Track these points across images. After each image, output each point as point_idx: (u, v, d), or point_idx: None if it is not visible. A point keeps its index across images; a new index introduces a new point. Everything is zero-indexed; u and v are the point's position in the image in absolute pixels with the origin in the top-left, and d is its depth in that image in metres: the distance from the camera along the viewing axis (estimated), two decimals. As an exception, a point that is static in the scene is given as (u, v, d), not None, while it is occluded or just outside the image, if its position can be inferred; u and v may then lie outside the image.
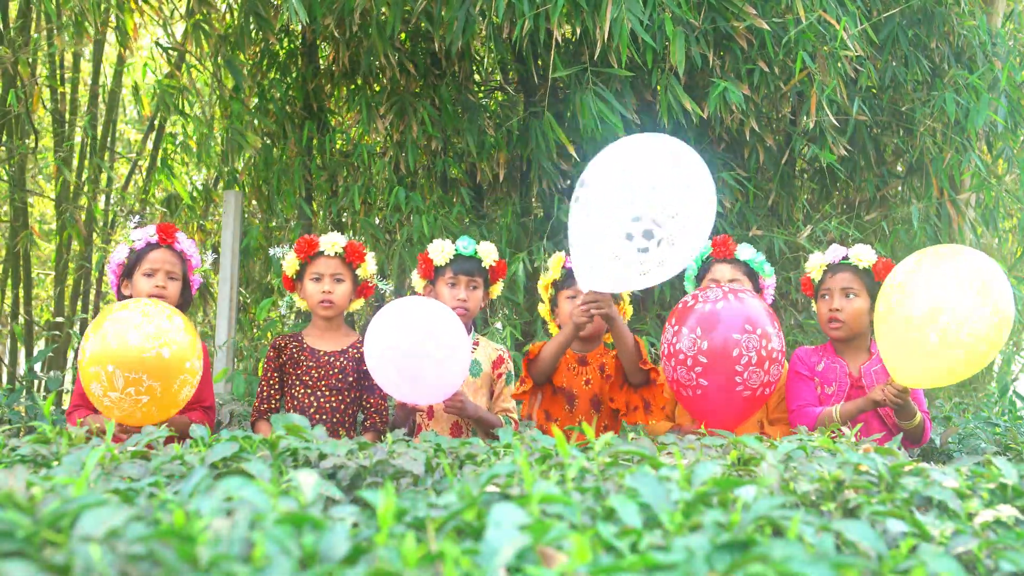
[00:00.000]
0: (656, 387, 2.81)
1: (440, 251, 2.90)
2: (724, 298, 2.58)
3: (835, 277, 2.87)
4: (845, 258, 2.90)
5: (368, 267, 2.97)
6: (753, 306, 2.60)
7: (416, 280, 2.98)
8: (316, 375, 2.87)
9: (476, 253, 2.92)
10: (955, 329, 2.31)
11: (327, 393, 2.87)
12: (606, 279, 2.49)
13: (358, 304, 3.04)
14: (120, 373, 2.29)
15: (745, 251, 2.99)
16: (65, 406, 4.98)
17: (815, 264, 2.95)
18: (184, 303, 2.94)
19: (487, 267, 2.94)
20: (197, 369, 2.47)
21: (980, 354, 2.37)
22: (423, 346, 2.47)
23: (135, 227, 2.98)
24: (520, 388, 2.84)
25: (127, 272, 2.86)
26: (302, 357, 2.89)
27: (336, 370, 2.88)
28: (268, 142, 5.12)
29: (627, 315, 3.00)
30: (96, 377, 2.31)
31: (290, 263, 2.96)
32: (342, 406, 2.88)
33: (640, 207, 2.36)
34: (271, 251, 3.22)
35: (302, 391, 2.87)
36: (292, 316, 4.78)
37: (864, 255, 2.88)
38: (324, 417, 2.84)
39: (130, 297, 2.77)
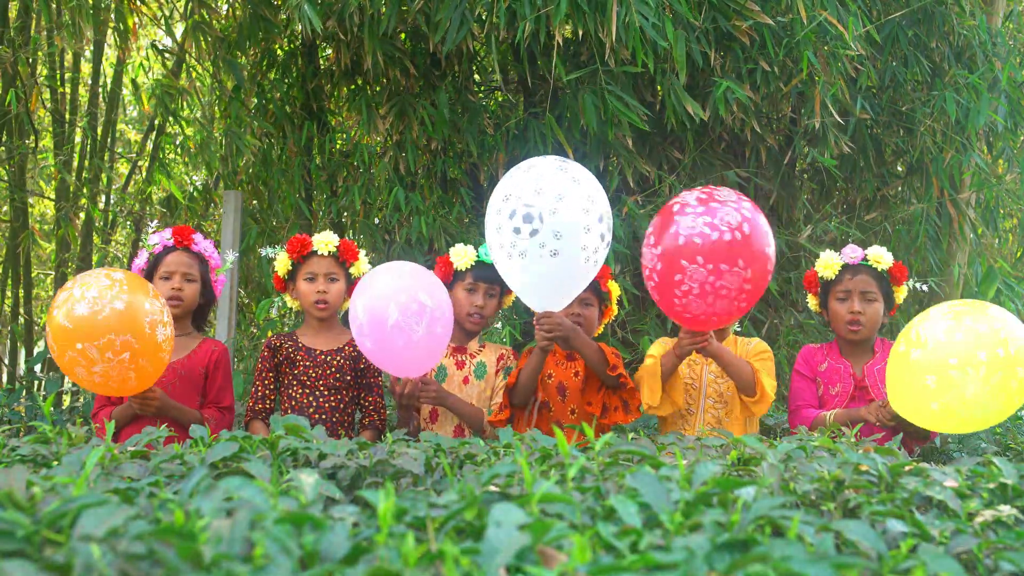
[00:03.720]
0: (630, 388, 2.79)
1: (462, 255, 2.89)
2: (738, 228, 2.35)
3: (855, 279, 2.82)
4: (863, 259, 2.85)
5: (362, 266, 2.94)
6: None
7: None
8: (314, 375, 2.86)
9: None
10: (955, 404, 2.18)
11: (326, 393, 2.85)
12: (525, 285, 2.51)
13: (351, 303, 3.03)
14: (101, 343, 2.31)
15: None
16: (65, 406, 4.99)
17: (830, 262, 2.88)
18: (206, 304, 2.94)
19: None
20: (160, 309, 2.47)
21: (977, 421, 2.25)
22: (418, 315, 2.48)
23: (153, 231, 2.97)
24: (498, 416, 2.79)
25: (147, 277, 2.83)
26: (298, 357, 2.87)
27: (333, 369, 2.87)
28: (268, 142, 5.11)
29: (611, 315, 2.98)
30: (75, 362, 2.33)
31: (282, 263, 2.93)
32: (341, 405, 2.87)
33: (509, 191, 2.48)
34: (262, 251, 3.18)
35: (300, 391, 2.85)
36: (293, 316, 4.77)
37: (883, 258, 2.84)
38: (324, 417, 2.82)
39: None
